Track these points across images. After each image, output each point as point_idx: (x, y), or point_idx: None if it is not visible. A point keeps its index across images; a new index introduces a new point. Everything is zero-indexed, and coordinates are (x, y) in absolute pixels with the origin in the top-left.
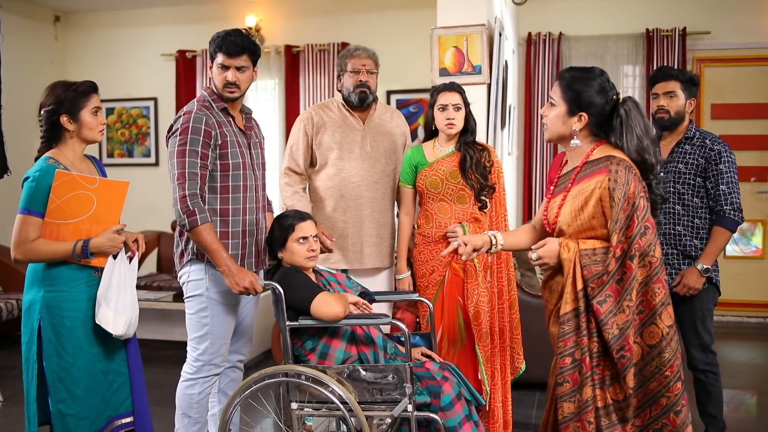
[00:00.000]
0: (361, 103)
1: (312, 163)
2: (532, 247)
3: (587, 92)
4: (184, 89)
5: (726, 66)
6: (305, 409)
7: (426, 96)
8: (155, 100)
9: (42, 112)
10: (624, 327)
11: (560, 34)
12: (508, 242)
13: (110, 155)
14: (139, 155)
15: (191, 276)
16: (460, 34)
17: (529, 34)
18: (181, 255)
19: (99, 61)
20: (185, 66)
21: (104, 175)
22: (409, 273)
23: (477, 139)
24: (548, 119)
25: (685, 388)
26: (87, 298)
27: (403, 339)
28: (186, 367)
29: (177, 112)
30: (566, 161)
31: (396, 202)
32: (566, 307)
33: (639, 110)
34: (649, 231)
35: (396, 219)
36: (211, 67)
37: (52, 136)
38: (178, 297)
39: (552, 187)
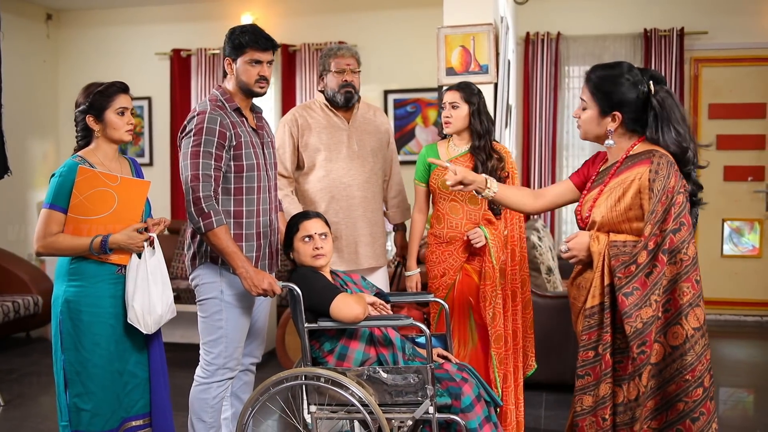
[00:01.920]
0: (346, 103)
1: (299, 166)
2: (563, 239)
3: (618, 91)
4: (179, 89)
5: (723, 66)
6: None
7: (423, 95)
8: (149, 99)
9: (75, 112)
10: (648, 322)
11: (558, 33)
12: (502, 193)
13: None
14: (132, 155)
15: (204, 279)
16: (467, 33)
17: (527, 33)
18: (193, 257)
19: (92, 59)
20: (180, 65)
21: (140, 176)
22: (418, 271)
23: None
24: (582, 121)
25: (707, 395)
26: (109, 296)
27: (417, 339)
28: (199, 371)
29: (171, 111)
30: (606, 159)
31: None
32: (593, 301)
33: (673, 99)
34: (684, 228)
35: (385, 217)
36: (230, 64)
37: (85, 135)
38: (176, 299)
39: (589, 184)
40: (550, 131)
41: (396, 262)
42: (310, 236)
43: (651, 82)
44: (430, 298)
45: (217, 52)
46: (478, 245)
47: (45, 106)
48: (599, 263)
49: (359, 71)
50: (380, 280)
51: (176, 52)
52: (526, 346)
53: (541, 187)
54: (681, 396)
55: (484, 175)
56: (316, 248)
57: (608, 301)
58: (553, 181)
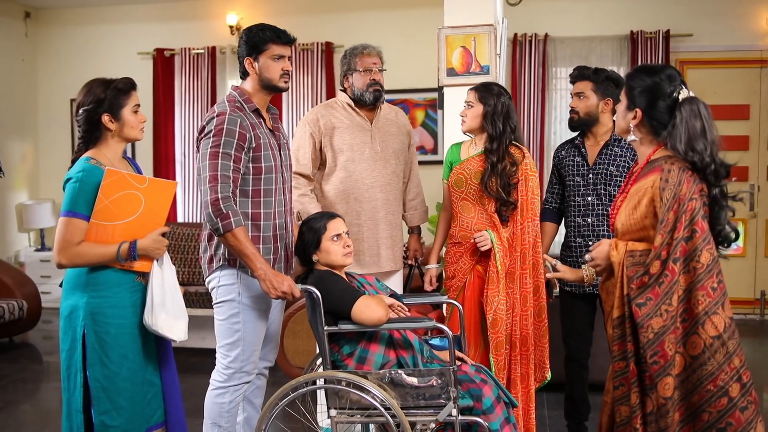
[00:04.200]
0: (375, 101)
1: (320, 166)
2: (589, 248)
3: (647, 89)
4: (162, 89)
5: (708, 68)
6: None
7: (411, 96)
8: None
9: (81, 111)
10: (659, 332)
11: (546, 35)
12: None
13: None
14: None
15: (222, 281)
16: (468, 34)
17: (515, 35)
18: (210, 260)
19: (72, 59)
20: (163, 65)
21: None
22: (437, 266)
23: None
24: (617, 114)
25: (734, 405)
26: (131, 305)
27: (430, 341)
28: (216, 375)
29: (154, 112)
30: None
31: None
32: (616, 312)
33: (698, 111)
34: (696, 235)
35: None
36: (251, 64)
37: (92, 136)
38: None
39: (622, 187)
40: (537, 132)
41: (408, 265)
42: (338, 235)
43: (684, 91)
44: (444, 299)
45: (202, 51)
46: (483, 248)
47: (23, 105)
48: (619, 273)
49: (384, 69)
50: (396, 283)
51: (159, 51)
52: (541, 355)
53: None
54: (704, 406)
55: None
56: (347, 246)
57: (627, 311)
58: (541, 182)
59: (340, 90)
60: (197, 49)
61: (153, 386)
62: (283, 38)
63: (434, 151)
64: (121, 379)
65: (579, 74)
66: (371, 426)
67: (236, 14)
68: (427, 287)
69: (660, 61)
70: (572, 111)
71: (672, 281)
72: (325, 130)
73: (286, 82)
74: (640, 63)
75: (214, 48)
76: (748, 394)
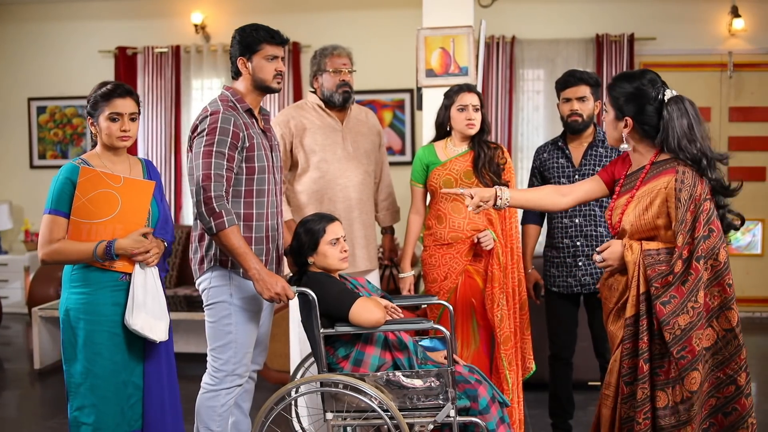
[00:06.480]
0: (344, 103)
1: (291, 167)
2: (597, 249)
3: (631, 97)
4: None
5: (671, 71)
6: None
7: (378, 97)
8: None
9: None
10: (687, 328)
11: (513, 37)
12: (518, 198)
13: (42, 156)
14: (75, 156)
15: (213, 282)
16: (447, 35)
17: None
18: (201, 261)
19: (29, 56)
20: (125, 63)
21: (154, 177)
22: (413, 273)
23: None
24: (605, 125)
25: (741, 392)
26: (111, 303)
27: (421, 342)
28: (207, 378)
29: None
30: (630, 162)
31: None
32: (631, 311)
33: (684, 110)
34: (713, 234)
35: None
36: (244, 64)
37: (93, 136)
38: None
39: (618, 188)
40: (505, 133)
41: (383, 266)
42: (337, 239)
43: (668, 92)
44: (434, 300)
45: (165, 50)
46: (488, 248)
47: None
48: (635, 273)
49: (354, 71)
50: (373, 282)
51: (121, 50)
52: (524, 347)
53: None
54: (713, 392)
55: (495, 187)
56: (344, 251)
57: (644, 309)
58: None
59: (310, 91)
60: (161, 47)
61: (138, 390)
62: (277, 38)
63: (402, 152)
64: (93, 377)
65: (580, 78)
66: (357, 429)
67: (201, 13)
68: (405, 294)
69: (624, 64)
70: (575, 114)
71: (696, 279)
72: (296, 131)
73: (279, 83)
74: (605, 65)
75: (178, 47)
76: (749, 383)
